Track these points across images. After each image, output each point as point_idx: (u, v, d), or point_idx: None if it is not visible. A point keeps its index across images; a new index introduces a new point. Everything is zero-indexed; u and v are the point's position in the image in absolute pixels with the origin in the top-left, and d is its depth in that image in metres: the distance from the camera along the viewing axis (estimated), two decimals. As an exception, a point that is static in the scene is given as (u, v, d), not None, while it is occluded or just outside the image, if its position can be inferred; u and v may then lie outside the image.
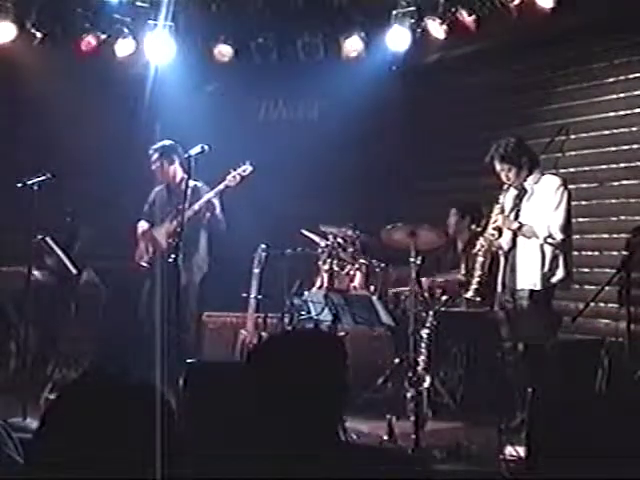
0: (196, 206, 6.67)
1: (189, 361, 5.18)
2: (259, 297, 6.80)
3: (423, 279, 6.48)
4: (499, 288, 5.72)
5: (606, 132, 6.79)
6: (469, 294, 5.68)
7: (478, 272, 5.65)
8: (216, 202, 6.82)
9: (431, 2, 6.91)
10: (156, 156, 7.00)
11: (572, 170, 6.72)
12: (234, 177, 6.72)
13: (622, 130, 6.67)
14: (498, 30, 6.89)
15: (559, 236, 5.50)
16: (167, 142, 6.99)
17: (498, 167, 5.70)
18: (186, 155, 5.90)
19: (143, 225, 7.16)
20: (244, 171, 6.73)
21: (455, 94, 7.87)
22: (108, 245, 7.42)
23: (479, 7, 6.70)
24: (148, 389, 1.53)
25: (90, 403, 1.47)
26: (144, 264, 7.04)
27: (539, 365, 5.35)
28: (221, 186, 6.77)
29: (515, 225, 5.60)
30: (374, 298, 6.05)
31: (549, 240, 5.50)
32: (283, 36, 7.64)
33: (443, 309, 6.27)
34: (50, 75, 7.39)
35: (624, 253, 6.19)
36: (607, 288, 5.40)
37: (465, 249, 6.83)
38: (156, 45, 7.29)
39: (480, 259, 5.67)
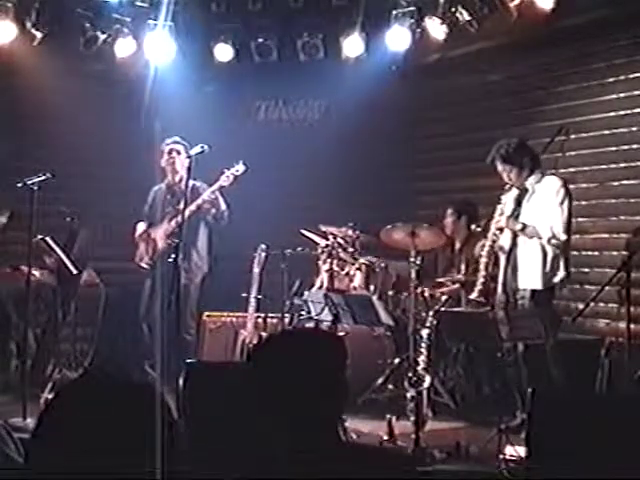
0: (193, 206, 6.65)
1: (189, 361, 5.18)
2: (259, 297, 6.81)
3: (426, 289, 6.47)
4: (500, 288, 5.71)
5: (606, 132, 6.79)
6: (473, 295, 5.67)
7: (482, 273, 5.64)
8: (220, 198, 6.83)
9: (431, 2, 6.91)
10: (174, 150, 6.92)
11: (572, 170, 6.71)
12: (227, 177, 6.75)
13: (622, 130, 6.67)
14: (498, 30, 6.89)
15: (562, 237, 5.50)
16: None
17: (500, 167, 5.70)
18: (186, 155, 5.92)
19: (141, 227, 7.16)
20: (237, 171, 6.76)
21: (455, 94, 7.87)
22: (108, 245, 7.42)
23: (479, 7, 6.70)
24: (148, 389, 1.53)
25: (89, 403, 1.47)
26: (145, 265, 7.04)
27: (539, 365, 5.35)
28: (215, 186, 6.79)
29: (518, 226, 5.59)
30: (374, 298, 6.05)
31: (553, 241, 5.49)
32: (283, 36, 7.64)
33: (443, 309, 6.26)
34: (50, 75, 7.38)
35: (624, 253, 6.19)
36: (607, 288, 5.39)
37: (462, 248, 6.83)
38: (156, 45, 7.29)
39: (484, 260, 5.65)
